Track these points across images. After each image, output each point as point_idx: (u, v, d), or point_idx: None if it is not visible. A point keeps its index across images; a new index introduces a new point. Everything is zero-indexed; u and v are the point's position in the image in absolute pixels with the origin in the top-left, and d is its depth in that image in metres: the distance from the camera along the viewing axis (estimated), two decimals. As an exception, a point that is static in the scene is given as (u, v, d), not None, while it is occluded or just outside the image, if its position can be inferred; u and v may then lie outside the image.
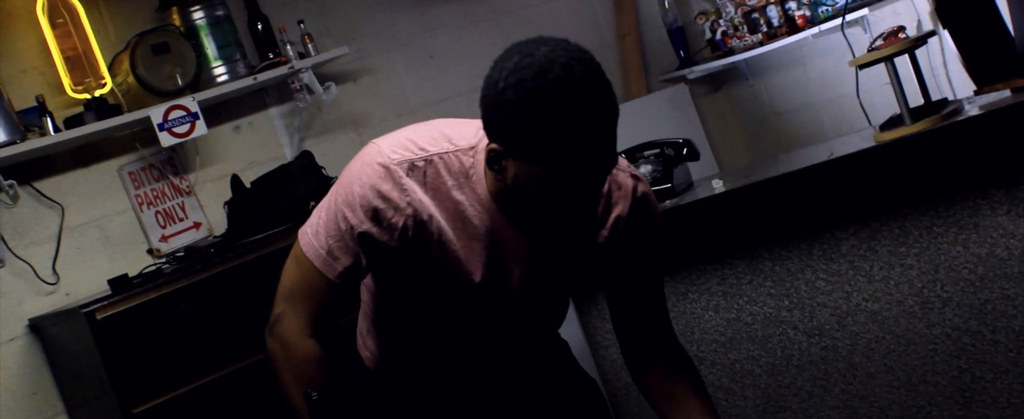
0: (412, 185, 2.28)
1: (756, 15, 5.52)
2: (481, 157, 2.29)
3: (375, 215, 2.29)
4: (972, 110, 3.32)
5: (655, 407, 2.53)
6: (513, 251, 2.36)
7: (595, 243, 2.41)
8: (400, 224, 2.29)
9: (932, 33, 4.06)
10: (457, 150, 2.32)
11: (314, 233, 2.38)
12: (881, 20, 5.30)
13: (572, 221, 2.35)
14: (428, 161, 2.30)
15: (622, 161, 2.43)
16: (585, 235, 2.40)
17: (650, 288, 2.52)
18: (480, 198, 2.31)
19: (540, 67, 2.06)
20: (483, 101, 2.15)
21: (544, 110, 2.04)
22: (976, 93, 3.43)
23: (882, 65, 3.37)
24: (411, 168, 2.29)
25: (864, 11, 5.19)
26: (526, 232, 2.35)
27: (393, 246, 2.31)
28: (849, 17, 5.19)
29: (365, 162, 2.31)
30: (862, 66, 3.38)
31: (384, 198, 2.28)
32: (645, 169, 3.85)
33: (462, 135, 2.34)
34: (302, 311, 2.39)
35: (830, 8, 5.31)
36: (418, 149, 2.31)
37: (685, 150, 3.89)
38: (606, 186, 2.38)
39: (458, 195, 2.31)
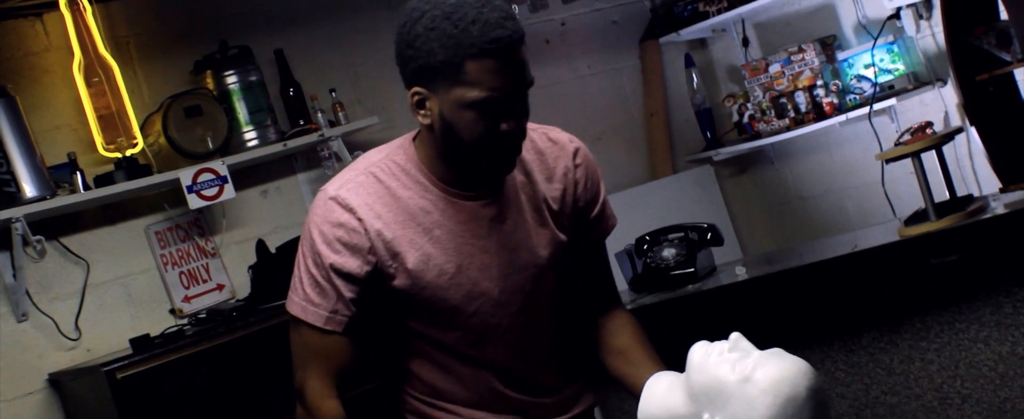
0: (360, 202, 2.36)
1: (784, 100, 5.55)
2: (412, 150, 2.41)
3: (340, 245, 2.35)
4: (998, 208, 3.34)
5: (606, 362, 2.60)
6: (476, 229, 2.42)
7: (550, 204, 2.49)
8: (366, 245, 2.35)
9: (959, 130, 4.08)
10: (387, 155, 2.43)
11: (296, 293, 2.42)
12: (908, 110, 5.33)
13: (507, 152, 2.37)
14: (368, 175, 2.40)
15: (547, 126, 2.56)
16: (537, 195, 2.48)
17: (601, 241, 2.63)
18: (427, 186, 2.40)
19: (435, 7, 2.23)
20: (399, 50, 2.29)
21: (453, 24, 2.20)
22: (1002, 191, 3.46)
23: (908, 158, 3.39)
24: (355, 188, 2.38)
25: (892, 101, 5.22)
26: (481, 200, 2.41)
27: (370, 270, 2.36)
28: (877, 106, 5.21)
29: (315, 206, 2.41)
30: (889, 160, 3.40)
31: (340, 225, 2.35)
32: (668, 252, 3.86)
33: (387, 146, 2.47)
34: (316, 373, 2.41)
35: (858, 97, 5.33)
36: (354, 172, 2.42)
37: (709, 235, 3.91)
38: (542, 145, 2.50)
39: (405, 191, 2.39)
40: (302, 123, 4.82)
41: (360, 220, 2.35)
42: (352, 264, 2.35)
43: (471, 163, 2.36)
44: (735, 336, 2.21)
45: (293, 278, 2.44)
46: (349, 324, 2.39)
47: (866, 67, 5.33)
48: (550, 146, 2.52)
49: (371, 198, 2.38)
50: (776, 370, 2.15)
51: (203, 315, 4.39)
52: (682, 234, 3.90)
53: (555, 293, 2.57)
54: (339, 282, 2.36)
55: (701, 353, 2.23)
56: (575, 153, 2.54)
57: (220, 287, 4.70)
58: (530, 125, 2.41)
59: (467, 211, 2.41)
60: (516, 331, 2.51)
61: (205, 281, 4.69)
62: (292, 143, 4.72)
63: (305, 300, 2.39)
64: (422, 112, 2.32)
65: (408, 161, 2.42)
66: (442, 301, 2.42)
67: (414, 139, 2.45)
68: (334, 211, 2.37)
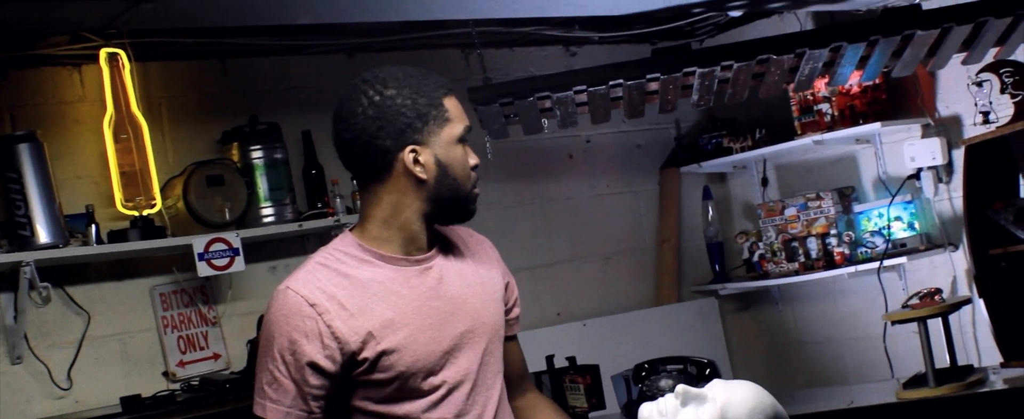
0: (314, 289, 2.46)
1: (796, 244, 5.58)
2: (351, 238, 2.57)
3: (297, 333, 2.44)
4: (997, 382, 3.36)
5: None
6: (425, 292, 2.56)
7: (493, 282, 2.70)
8: (322, 328, 2.44)
9: (967, 301, 4.10)
10: (331, 247, 2.57)
11: (257, 394, 2.49)
12: (917, 270, 5.36)
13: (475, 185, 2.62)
14: (316, 265, 2.52)
15: None
16: (478, 269, 2.68)
17: (516, 325, 2.84)
18: (372, 261, 2.53)
19: (389, 73, 2.55)
20: (366, 129, 2.50)
21: (410, 77, 2.53)
22: (1003, 365, 3.47)
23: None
24: (306, 278, 2.49)
25: (902, 259, 5.25)
26: (420, 265, 2.57)
27: (330, 354, 2.44)
28: (887, 262, 5.25)
29: (271, 302, 2.50)
30: (896, 322, 3.43)
31: (297, 313, 2.44)
32: (665, 383, 3.88)
33: (329, 244, 2.60)
34: None
35: (869, 250, 5.37)
36: (303, 268, 2.53)
37: (708, 370, 3.93)
38: (462, 232, 2.74)
39: (354, 270, 2.51)
40: (320, 206, 4.87)
41: (313, 305, 2.44)
42: (313, 350, 2.43)
43: (465, 200, 2.58)
44: (681, 388, 2.25)
45: (256, 382, 2.51)
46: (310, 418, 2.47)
47: (881, 218, 5.38)
48: (470, 235, 2.76)
49: (323, 283, 2.47)
50: (743, 400, 2.24)
51: (196, 382, 4.40)
52: (681, 366, 3.92)
53: (500, 368, 2.70)
54: (306, 375, 2.44)
55: (653, 413, 2.25)
56: (491, 246, 2.78)
57: (216, 356, 4.72)
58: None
59: (414, 276, 2.55)
60: (472, 398, 2.60)
61: (202, 348, 4.70)
62: (308, 224, 4.76)
63: (264, 398, 2.47)
64: (418, 168, 2.50)
65: (350, 246, 2.56)
66: (415, 362, 2.50)
67: (351, 230, 2.61)
68: (288, 301, 2.45)
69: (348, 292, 2.48)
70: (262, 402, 2.47)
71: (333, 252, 2.55)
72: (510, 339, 2.78)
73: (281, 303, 2.46)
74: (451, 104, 2.55)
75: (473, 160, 2.57)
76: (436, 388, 2.54)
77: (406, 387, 2.51)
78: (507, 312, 2.76)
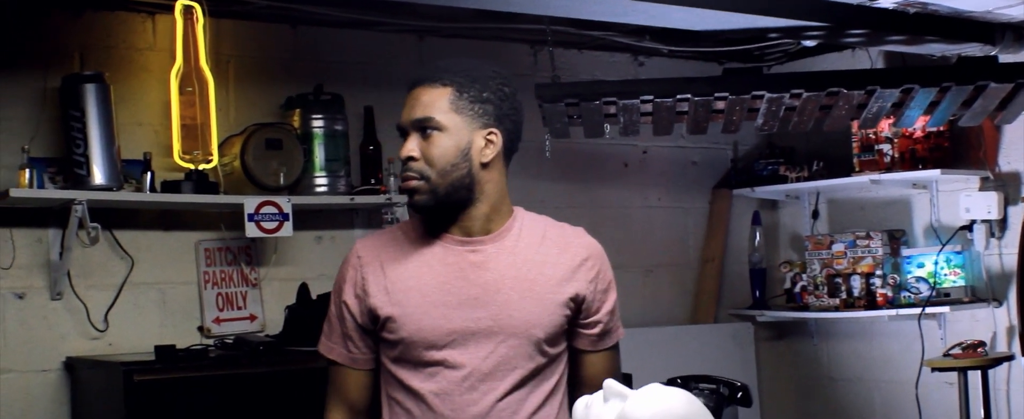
0: (370, 246, 2.74)
1: (839, 280, 5.56)
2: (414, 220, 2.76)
3: (344, 281, 2.73)
4: (1030, 442, 3.33)
5: None
6: (459, 271, 2.65)
7: (551, 282, 2.69)
8: (359, 278, 2.69)
9: (1010, 357, 4.08)
10: (419, 217, 2.74)
11: (324, 336, 2.79)
12: (958, 321, 5.33)
13: None
14: (393, 229, 2.79)
15: None
16: (541, 265, 2.70)
17: (601, 350, 2.84)
18: (429, 236, 2.69)
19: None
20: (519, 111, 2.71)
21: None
22: (1036, 426, 3.44)
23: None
24: (374, 238, 2.79)
25: (945, 309, 5.22)
26: (469, 247, 2.67)
27: (361, 300, 2.69)
28: (928, 310, 5.22)
29: None
30: (936, 369, 3.41)
31: (348, 264, 2.74)
32: (696, 400, 3.86)
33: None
34: (331, 405, 2.79)
35: (912, 296, 5.34)
36: (386, 229, 2.86)
37: (740, 394, 3.92)
38: (558, 229, 2.78)
39: (411, 238, 2.71)
40: (373, 182, 4.88)
41: (360, 257, 2.72)
42: (349, 294, 2.71)
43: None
44: (608, 382, 2.17)
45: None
46: (351, 358, 2.73)
47: (927, 266, 5.36)
48: (572, 237, 2.76)
49: (380, 243, 2.74)
50: (648, 402, 2.11)
51: (230, 340, 4.41)
52: (714, 386, 3.91)
53: (533, 379, 2.67)
54: (344, 314, 2.72)
55: (581, 407, 2.20)
56: (589, 245, 2.76)
57: (252, 317, 4.74)
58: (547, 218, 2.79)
59: (455, 254, 2.66)
60: (469, 384, 2.63)
61: (240, 308, 4.72)
62: (359, 199, 4.78)
63: (323, 335, 2.79)
64: (491, 147, 2.67)
65: (410, 224, 2.78)
66: (416, 331, 2.62)
67: None
68: (350, 252, 2.77)
69: (392, 255, 2.69)
70: (322, 339, 2.79)
71: (411, 221, 2.78)
72: (589, 352, 2.76)
73: (347, 253, 2.77)
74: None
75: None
76: (435, 363, 2.63)
77: (408, 353, 2.65)
78: (584, 326, 2.73)
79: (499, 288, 2.64)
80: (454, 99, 2.61)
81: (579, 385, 2.75)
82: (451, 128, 2.60)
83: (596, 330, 2.73)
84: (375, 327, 2.68)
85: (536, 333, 2.64)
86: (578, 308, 2.70)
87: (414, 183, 2.62)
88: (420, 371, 2.64)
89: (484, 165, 2.65)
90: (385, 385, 2.72)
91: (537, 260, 2.68)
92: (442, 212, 2.66)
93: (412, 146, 2.62)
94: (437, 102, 2.61)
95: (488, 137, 2.65)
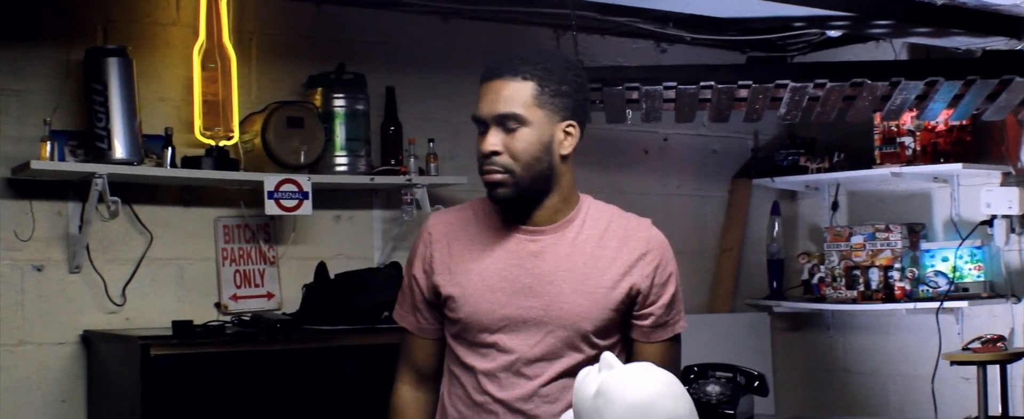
0: (441, 222, 2.82)
1: (857, 272, 5.54)
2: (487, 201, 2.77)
3: (415, 254, 2.83)
4: (1048, 437, 3.32)
5: None
6: (516, 257, 2.70)
7: (607, 275, 2.70)
8: (428, 254, 2.78)
9: (1030, 351, 4.07)
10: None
11: (398, 304, 2.90)
12: (976, 317, 5.32)
13: None
14: (467, 205, 2.84)
15: None
16: (602, 259, 2.71)
17: (656, 342, 2.84)
18: (497, 218, 2.74)
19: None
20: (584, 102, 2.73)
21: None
22: (1054, 422, 3.43)
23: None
24: (447, 213, 2.87)
25: (963, 303, 5.20)
26: (529, 234, 2.70)
27: (428, 276, 2.78)
28: (946, 304, 5.20)
29: None
30: (955, 362, 3.39)
31: (419, 239, 2.83)
32: (713, 389, 3.86)
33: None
34: (401, 368, 2.90)
35: (931, 290, 5.32)
36: (462, 204, 2.88)
37: (757, 383, 3.91)
38: (624, 220, 2.80)
39: (480, 218, 2.77)
40: (393, 163, 4.87)
41: (430, 233, 2.80)
42: (418, 269, 2.80)
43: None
44: (605, 355, 2.19)
45: None
46: (419, 328, 2.84)
47: (947, 260, 5.34)
48: (636, 230, 2.77)
49: (452, 220, 2.81)
50: (625, 379, 2.14)
51: (247, 318, 4.41)
52: (731, 375, 3.91)
53: (565, 359, 2.69)
54: (413, 287, 2.82)
55: (580, 376, 2.22)
56: (651, 238, 2.77)
57: (270, 295, 4.74)
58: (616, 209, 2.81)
59: (516, 242, 2.71)
60: (515, 369, 2.69)
61: (257, 285, 4.73)
62: (379, 179, 4.77)
63: (397, 303, 2.90)
64: (568, 140, 2.70)
65: (479, 203, 2.82)
66: (472, 313, 2.70)
67: None
68: (422, 230, 2.84)
69: (460, 235, 2.77)
70: (396, 306, 2.90)
71: (484, 201, 2.79)
72: (644, 343, 2.75)
73: (421, 226, 2.86)
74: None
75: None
76: (488, 345, 2.70)
77: (465, 332, 2.73)
78: (637, 317, 2.73)
79: (552, 279, 2.67)
80: (536, 93, 2.63)
81: None
82: (535, 122, 2.62)
83: (648, 322, 2.72)
84: (439, 302, 2.78)
85: (584, 326, 2.67)
86: (633, 301, 2.70)
87: (499, 176, 2.64)
88: (475, 350, 2.73)
89: (563, 157, 2.68)
90: (447, 357, 2.84)
91: (595, 253, 2.69)
92: (519, 203, 2.69)
93: (495, 141, 2.63)
94: (520, 96, 2.62)
95: (567, 129, 2.68)
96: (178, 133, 4.49)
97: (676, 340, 2.78)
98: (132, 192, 4.49)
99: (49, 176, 4.28)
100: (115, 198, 4.24)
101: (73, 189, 4.38)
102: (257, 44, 4.82)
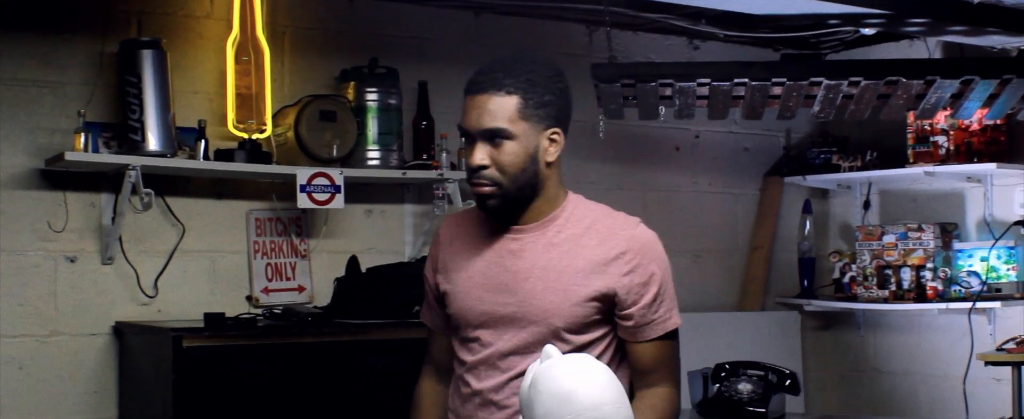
0: (449, 224, 2.95)
1: (889, 272, 5.51)
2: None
3: (430, 256, 2.96)
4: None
5: None
6: (497, 256, 2.78)
7: (584, 264, 2.73)
8: (436, 254, 2.92)
9: (1064, 352, 4.05)
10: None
11: (424, 302, 3.02)
12: (1009, 318, 5.29)
13: None
14: (471, 210, 2.93)
15: None
16: (577, 256, 2.74)
17: (647, 340, 2.85)
18: (493, 221, 2.79)
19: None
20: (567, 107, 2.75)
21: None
22: (1089, 424, 3.41)
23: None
24: (458, 215, 2.98)
25: (996, 304, 5.18)
26: (511, 234, 2.77)
27: (435, 276, 2.91)
28: (979, 305, 5.18)
29: None
30: (989, 362, 3.38)
31: (433, 239, 2.97)
32: (744, 387, 3.85)
33: None
34: (425, 363, 3.06)
35: (963, 290, 5.30)
36: (470, 208, 2.99)
37: (788, 382, 3.90)
38: (606, 218, 2.78)
39: (482, 223, 2.83)
40: (425, 157, 4.87)
41: (439, 234, 2.94)
42: (429, 268, 2.95)
43: None
44: (546, 347, 2.35)
45: None
46: (435, 324, 2.98)
47: (981, 260, 5.32)
48: (619, 229, 2.74)
49: (459, 221, 2.92)
50: (552, 370, 2.28)
51: (279, 311, 4.42)
52: (763, 373, 3.89)
53: (534, 355, 2.68)
54: (427, 285, 2.96)
55: (531, 365, 2.35)
56: (632, 238, 2.72)
57: (301, 289, 4.75)
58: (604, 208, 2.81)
59: (500, 241, 2.78)
60: (491, 364, 2.77)
61: (288, 278, 4.74)
62: (411, 174, 4.77)
63: (424, 302, 3.02)
64: (553, 148, 2.74)
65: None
66: (458, 310, 2.81)
67: None
68: (437, 231, 2.97)
69: (462, 235, 2.87)
70: (423, 311, 3.03)
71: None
72: (632, 342, 2.75)
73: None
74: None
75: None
76: (471, 340, 2.80)
77: (457, 328, 2.86)
78: (620, 318, 2.73)
79: (528, 277, 2.72)
80: (521, 107, 2.65)
81: (632, 372, 2.78)
82: (520, 135, 2.66)
83: (631, 322, 2.72)
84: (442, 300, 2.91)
85: (555, 322, 2.70)
86: (611, 301, 2.71)
87: (487, 189, 2.69)
88: (464, 345, 2.83)
89: (549, 164, 2.72)
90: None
91: (572, 250, 2.71)
92: (509, 211, 2.74)
93: (482, 155, 2.67)
94: (504, 111, 2.64)
95: (552, 137, 2.71)
96: (211, 126, 4.50)
97: (669, 337, 2.77)
98: (165, 184, 4.50)
99: (83, 167, 4.30)
100: (148, 190, 4.24)
101: (106, 181, 4.40)
102: (290, 37, 4.83)
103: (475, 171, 2.68)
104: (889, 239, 5.56)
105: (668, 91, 4.45)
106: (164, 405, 3.91)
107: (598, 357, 2.66)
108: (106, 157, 4.28)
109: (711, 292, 5.91)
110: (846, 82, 4.34)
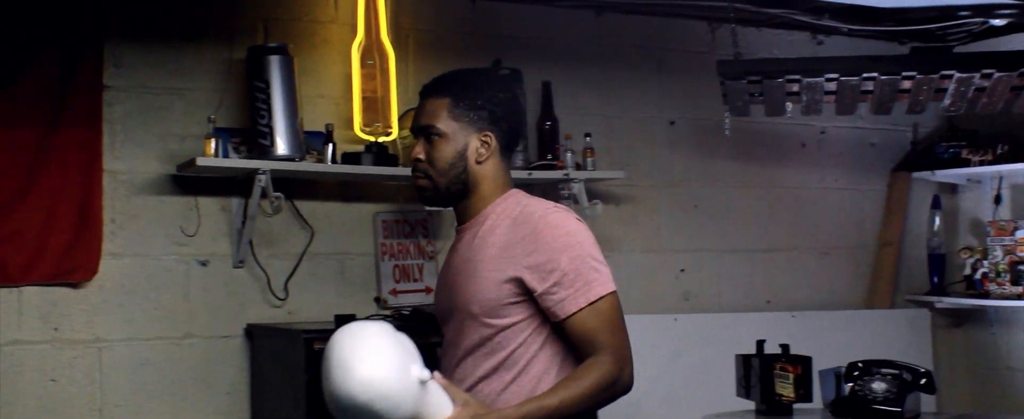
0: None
1: (1022, 268, 5.40)
2: None
3: None
4: None
5: None
6: (451, 253, 3.05)
7: (489, 258, 2.90)
8: None
9: None
10: None
11: None
12: None
13: None
14: None
15: None
16: (490, 244, 2.91)
17: (560, 317, 2.95)
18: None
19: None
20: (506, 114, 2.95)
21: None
22: None
23: None
24: None
25: None
26: (459, 231, 3.02)
27: None
28: (1116, 301, 5.06)
29: None
30: None
31: None
32: (879, 386, 3.80)
33: None
34: None
35: (1100, 286, 5.18)
36: None
37: (924, 381, 3.83)
38: (527, 209, 2.90)
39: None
40: (549, 157, 4.87)
41: None
42: None
43: None
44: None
45: None
46: None
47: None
48: (528, 216, 2.86)
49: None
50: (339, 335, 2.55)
51: (408, 312, 4.45)
52: (896, 372, 3.83)
53: (480, 349, 2.87)
54: None
55: None
56: (536, 223, 2.82)
57: (428, 290, 4.78)
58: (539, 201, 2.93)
59: (457, 240, 3.02)
60: (451, 358, 2.96)
61: (416, 280, 4.77)
62: (536, 174, 4.77)
63: None
64: (486, 149, 2.94)
65: None
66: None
67: None
68: None
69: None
70: None
71: None
72: (560, 321, 2.81)
73: None
74: None
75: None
76: (446, 332, 3.02)
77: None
78: (539, 299, 2.81)
79: (458, 271, 2.95)
80: (451, 107, 2.92)
81: (576, 350, 2.84)
82: (450, 134, 2.91)
83: (548, 303, 2.81)
84: None
85: (472, 309, 2.87)
86: (522, 284, 2.82)
87: (421, 181, 2.97)
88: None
89: (479, 163, 2.93)
90: None
91: (490, 241, 2.88)
92: (444, 204, 3.00)
93: (419, 149, 2.96)
94: (438, 111, 2.93)
95: (483, 139, 2.93)
96: (338, 129, 4.56)
97: (595, 306, 2.79)
98: (294, 188, 4.56)
99: (214, 172, 4.36)
100: (278, 194, 4.29)
101: (237, 185, 4.46)
102: (414, 40, 4.86)
103: (413, 165, 2.96)
104: (1021, 234, 5.44)
105: (795, 87, 4.41)
106: (296, 406, 3.96)
107: (517, 343, 2.83)
108: (236, 162, 4.34)
109: (838, 290, 5.84)
110: (978, 75, 4.27)
